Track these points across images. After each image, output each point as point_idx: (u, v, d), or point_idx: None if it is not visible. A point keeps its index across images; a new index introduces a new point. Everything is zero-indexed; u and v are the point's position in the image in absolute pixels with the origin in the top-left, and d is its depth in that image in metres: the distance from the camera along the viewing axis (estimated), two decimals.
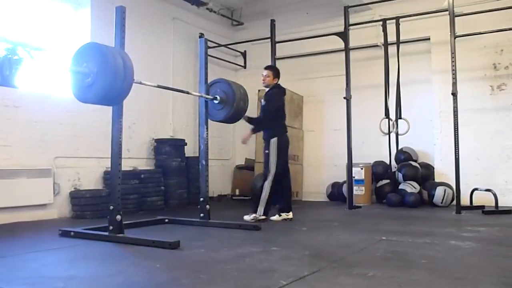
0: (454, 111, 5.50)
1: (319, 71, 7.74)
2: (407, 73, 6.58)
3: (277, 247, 3.33)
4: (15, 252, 3.20)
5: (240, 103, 4.63)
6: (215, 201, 7.22)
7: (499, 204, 5.49)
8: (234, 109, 4.61)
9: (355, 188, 6.40)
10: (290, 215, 4.89)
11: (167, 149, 6.46)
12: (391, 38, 6.33)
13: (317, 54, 7.72)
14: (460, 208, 5.46)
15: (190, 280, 2.46)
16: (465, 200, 5.78)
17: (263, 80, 5.00)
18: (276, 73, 5.06)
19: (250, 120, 4.94)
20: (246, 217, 4.70)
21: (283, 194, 4.96)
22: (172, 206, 6.24)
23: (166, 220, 4.72)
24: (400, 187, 6.49)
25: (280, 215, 4.86)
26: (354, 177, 6.35)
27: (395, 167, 6.79)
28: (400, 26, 6.31)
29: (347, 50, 6.26)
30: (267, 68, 5.10)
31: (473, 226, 4.37)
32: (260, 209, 4.73)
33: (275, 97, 4.96)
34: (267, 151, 4.84)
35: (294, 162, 7.64)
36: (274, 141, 4.83)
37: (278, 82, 5.06)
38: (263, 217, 4.75)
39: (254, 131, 5.05)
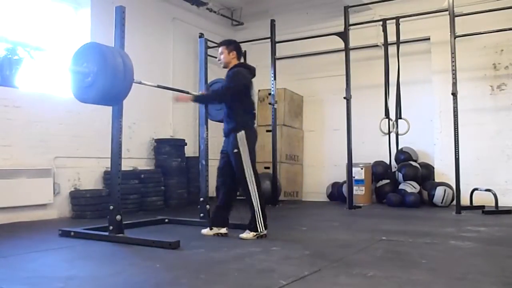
0: (454, 111, 5.50)
1: (319, 71, 7.75)
2: (407, 73, 6.58)
3: (277, 247, 3.33)
4: (15, 252, 3.20)
5: None
6: (215, 201, 7.19)
7: (499, 204, 5.49)
8: None
9: (355, 188, 6.40)
10: (223, 230, 3.90)
11: (167, 149, 6.46)
12: (391, 38, 6.33)
13: (317, 54, 7.72)
14: (460, 208, 5.46)
15: (190, 280, 2.46)
16: (465, 200, 5.78)
17: (218, 59, 4.09)
18: (232, 46, 4.02)
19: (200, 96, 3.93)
20: (246, 235, 3.75)
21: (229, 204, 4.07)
22: (172, 206, 6.24)
23: (166, 220, 4.72)
24: (400, 187, 6.49)
25: (211, 229, 3.94)
26: (354, 177, 6.35)
27: (395, 167, 6.79)
28: (400, 26, 6.31)
29: (347, 50, 6.26)
30: (220, 44, 4.12)
31: (473, 226, 4.37)
32: (259, 225, 3.76)
33: (238, 76, 3.87)
34: (236, 151, 3.77)
35: (294, 162, 7.65)
36: (241, 135, 3.77)
37: (242, 61, 4.11)
38: (265, 232, 3.79)
39: (196, 101, 4.07)
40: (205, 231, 3.96)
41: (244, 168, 3.76)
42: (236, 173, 3.85)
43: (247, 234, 3.74)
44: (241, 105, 3.88)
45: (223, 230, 3.90)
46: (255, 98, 4.81)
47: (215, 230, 3.90)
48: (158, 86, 4.43)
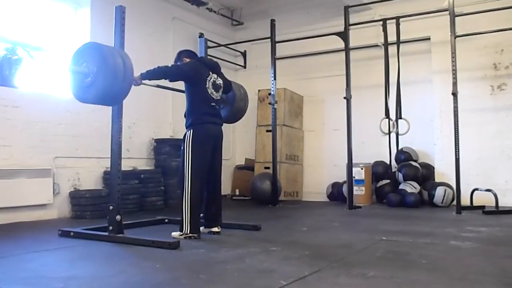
0: (454, 111, 5.49)
1: (319, 71, 7.74)
2: (407, 73, 6.58)
3: (277, 247, 3.33)
4: (15, 252, 3.20)
5: (240, 103, 4.63)
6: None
7: (500, 204, 5.48)
8: (234, 109, 4.60)
9: (355, 188, 6.40)
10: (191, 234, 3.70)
11: (167, 149, 6.46)
12: (391, 38, 6.32)
13: (317, 54, 7.72)
14: (460, 208, 5.45)
15: (190, 280, 2.45)
16: (465, 200, 5.77)
17: None
18: (182, 56, 4.14)
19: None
20: (174, 234, 3.76)
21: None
22: (172, 206, 6.22)
23: (166, 220, 4.71)
24: (400, 187, 6.48)
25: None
26: (354, 177, 6.34)
27: (395, 167, 6.78)
28: (400, 26, 6.30)
29: (347, 50, 6.25)
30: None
31: (474, 226, 4.36)
32: (186, 226, 3.69)
33: (187, 62, 4.00)
34: (182, 148, 3.84)
35: (294, 162, 7.65)
36: (188, 135, 3.81)
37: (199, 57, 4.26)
38: (194, 234, 3.69)
39: (145, 78, 3.74)
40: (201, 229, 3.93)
41: (184, 168, 3.78)
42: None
43: (175, 233, 3.76)
44: (194, 98, 3.89)
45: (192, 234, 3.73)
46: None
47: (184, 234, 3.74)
48: (158, 86, 4.44)
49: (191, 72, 3.88)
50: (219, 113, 4.07)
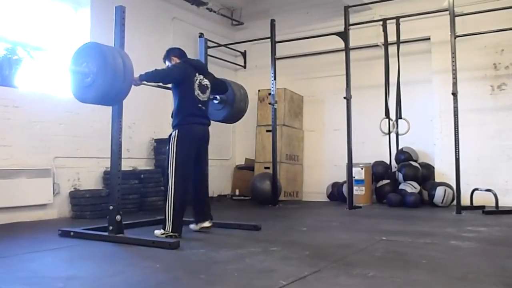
0: (454, 111, 5.49)
1: (319, 71, 7.74)
2: (407, 73, 6.58)
3: (277, 247, 3.33)
4: (14, 252, 3.20)
5: (240, 103, 4.63)
6: (215, 201, 7.20)
7: (500, 204, 5.48)
8: (234, 109, 4.61)
9: (355, 188, 6.39)
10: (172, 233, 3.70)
11: (167, 149, 6.45)
12: (391, 38, 6.33)
13: (317, 54, 7.72)
14: (460, 208, 5.45)
15: (190, 280, 2.45)
16: (465, 200, 5.77)
17: None
18: (170, 55, 4.13)
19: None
20: (157, 232, 3.77)
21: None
22: None
23: None
24: (400, 187, 6.48)
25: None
26: (354, 177, 6.34)
27: (395, 167, 6.78)
28: (400, 26, 6.31)
29: (347, 50, 6.25)
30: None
31: (474, 226, 4.36)
32: (168, 225, 3.70)
33: (175, 65, 4.01)
34: (167, 148, 3.94)
35: (294, 162, 7.65)
36: (173, 135, 3.88)
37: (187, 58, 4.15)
38: (176, 233, 3.70)
39: (143, 79, 3.78)
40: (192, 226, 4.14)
41: (169, 167, 3.85)
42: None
43: (157, 231, 3.78)
44: (181, 99, 3.91)
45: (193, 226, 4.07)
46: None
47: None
48: (158, 86, 4.44)
49: (182, 74, 3.92)
50: (206, 114, 4.10)
